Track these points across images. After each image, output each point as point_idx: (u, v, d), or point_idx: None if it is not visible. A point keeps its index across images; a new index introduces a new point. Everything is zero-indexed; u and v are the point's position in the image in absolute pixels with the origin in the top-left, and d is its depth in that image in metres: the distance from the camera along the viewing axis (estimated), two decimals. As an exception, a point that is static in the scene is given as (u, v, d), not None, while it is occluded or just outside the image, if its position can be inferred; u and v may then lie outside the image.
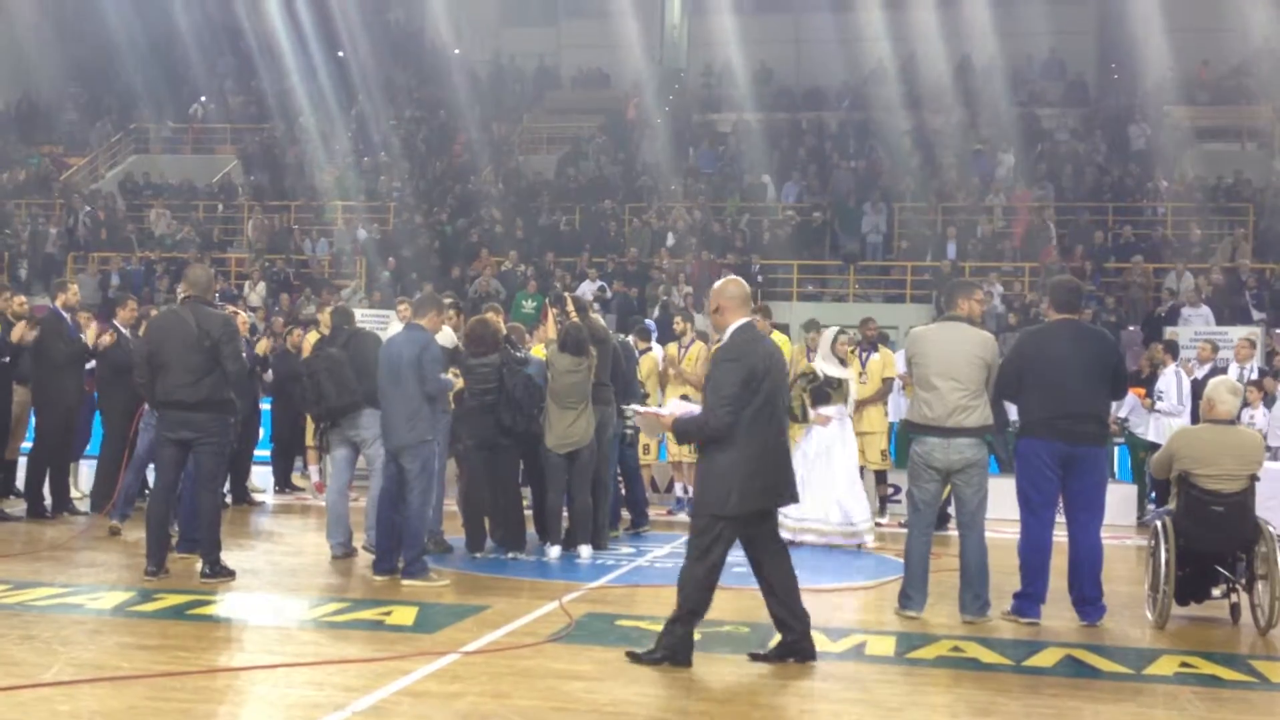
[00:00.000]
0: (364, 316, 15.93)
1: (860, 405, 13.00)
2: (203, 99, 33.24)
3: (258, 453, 13.93)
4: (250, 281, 24.03)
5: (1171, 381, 13.33)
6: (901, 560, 8.40)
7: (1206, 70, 29.33)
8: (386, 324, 14.30)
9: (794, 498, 7.07)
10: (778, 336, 13.28)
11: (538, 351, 11.06)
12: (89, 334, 11.62)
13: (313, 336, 12.76)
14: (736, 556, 10.51)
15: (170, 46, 32.30)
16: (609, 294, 22.04)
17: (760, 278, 22.92)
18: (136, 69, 32.24)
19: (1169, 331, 18.32)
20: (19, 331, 11.05)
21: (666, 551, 10.74)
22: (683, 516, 13.07)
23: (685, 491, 13.69)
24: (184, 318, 8.75)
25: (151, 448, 10.14)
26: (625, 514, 11.78)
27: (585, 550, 10.15)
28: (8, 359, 11.08)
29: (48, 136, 33.19)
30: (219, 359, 8.68)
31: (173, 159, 31.99)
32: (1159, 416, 13.16)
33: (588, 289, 21.64)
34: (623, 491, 11.68)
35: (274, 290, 23.53)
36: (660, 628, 6.87)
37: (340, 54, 31.06)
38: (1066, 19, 30.93)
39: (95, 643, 6.89)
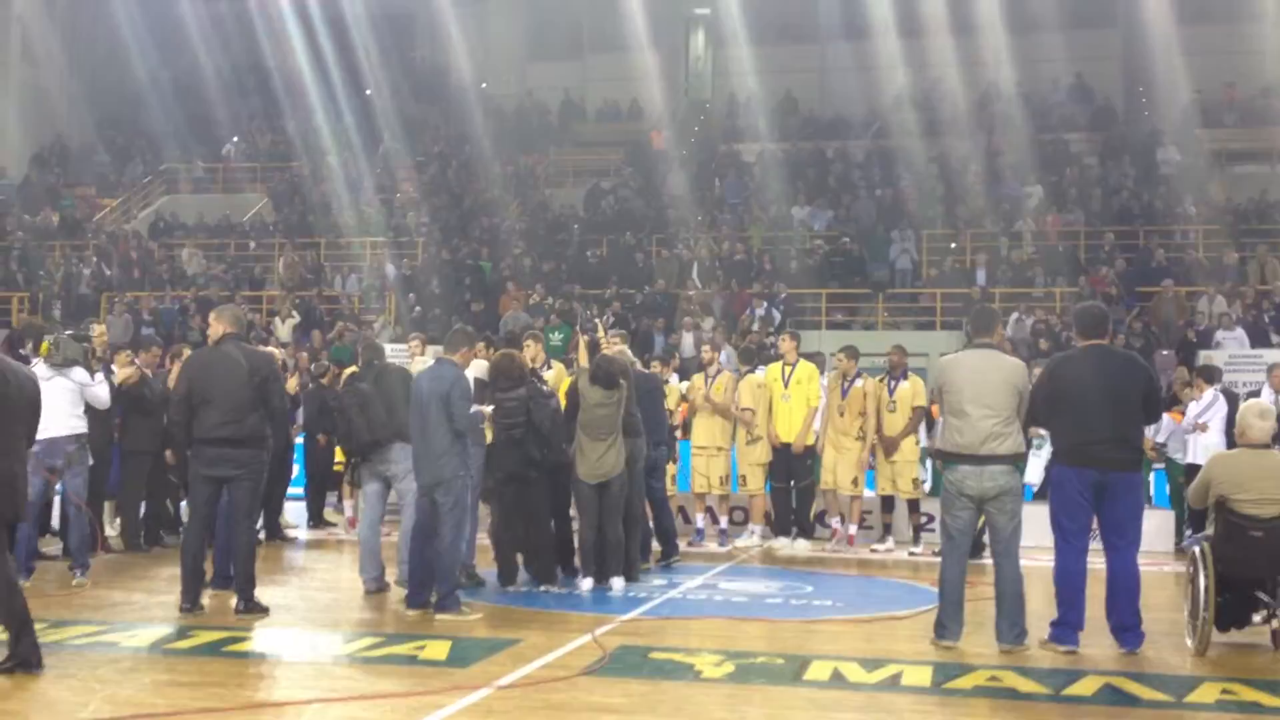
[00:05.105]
0: (394, 351, 16.00)
1: (891, 435, 12.99)
2: (235, 139, 33.62)
3: (290, 489, 13.99)
4: (280, 317, 24.20)
5: (1214, 407, 13.20)
6: (936, 589, 8.34)
7: (1233, 93, 29.23)
8: (410, 359, 14.33)
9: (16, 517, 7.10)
10: (805, 365, 13.26)
11: (564, 382, 11.15)
12: (119, 374, 11.71)
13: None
14: (768, 589, 10.48)
15: (198, 88, 32.68)
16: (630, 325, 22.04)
17: (782, 306, 22.91)
18: (165, 111, 32.64)
19: (1203, 355, 18.18)
20: None
21: (699, 583, 10.71)
22: (712, 547, 13.07)
23: (715, 522, 13.69)
24: (233, 356, 8.81)
25: (41, 494, 10.10)
26: (655, 545, 11.73)
27: (617, 582, 10.12)
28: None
29: (80, 179, 33.60)
30: (265, 395, 8.75)
31: (203, 199, 32.31)
32: (1197, 438, 13.04)
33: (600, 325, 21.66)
34: (650, 523, 11.63)
35: (306, 326, 23.67)
36: (694, 660, 6.85)
37: (367, 92, 31.36)
38: (1092, 44, 30.90)
39: (131, 680, 6.91)
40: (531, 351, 12.23)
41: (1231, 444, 9.76)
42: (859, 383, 13.04)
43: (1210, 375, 13.80)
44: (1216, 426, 12.97)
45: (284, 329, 23.58)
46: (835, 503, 13.32)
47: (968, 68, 28.19)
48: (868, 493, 13.43)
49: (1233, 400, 12.96)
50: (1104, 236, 24.43)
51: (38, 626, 8.12)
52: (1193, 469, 12.28)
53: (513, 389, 9.91)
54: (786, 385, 13.09)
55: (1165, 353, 19.99)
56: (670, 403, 13.07)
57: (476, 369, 10.14)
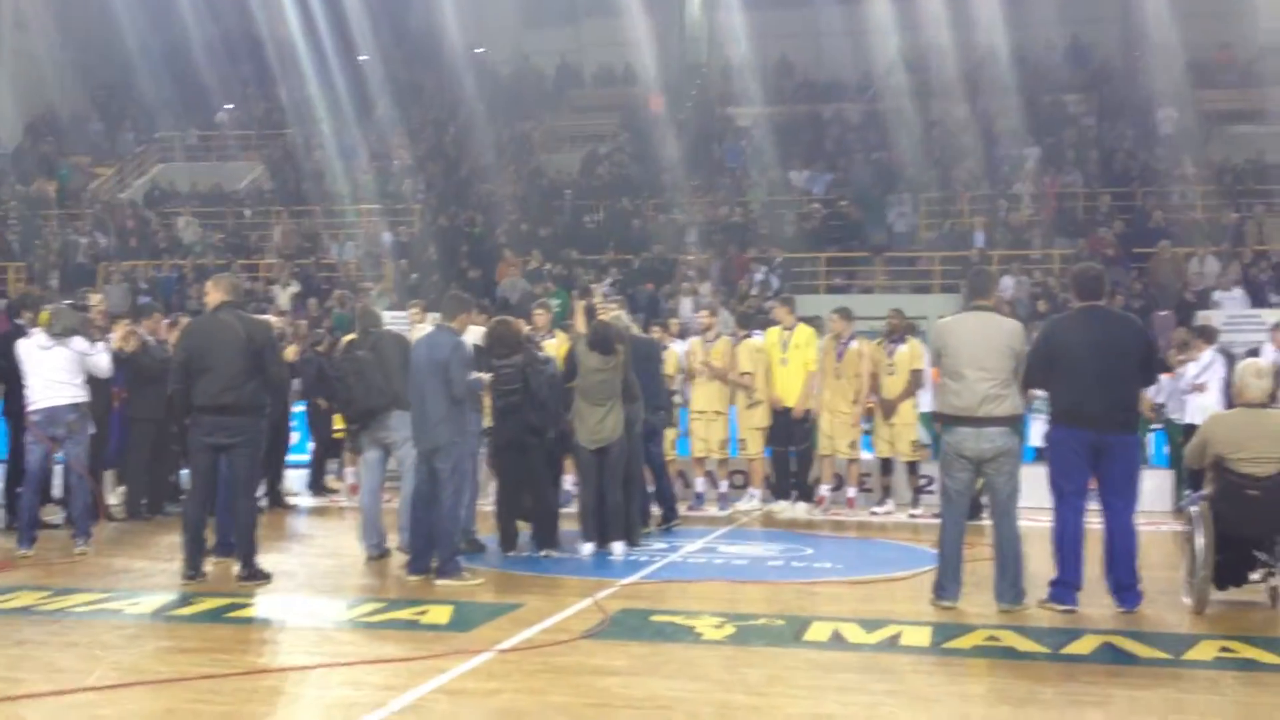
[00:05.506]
0: (392, 319, 15.99)
1: (890, 397, 13.00)
2: (228, 107, 33.46)
3: (291, 456, 14.01)
4: (279, 285, 24.17)
5: (1211, 367, 13.20)
6: (935, 551, 8.38)
7: (1231, 54, 29.10)
8: (410, 326, 14.34)
9: None
10: (803, 329, 13.25)
11: (563, 347, 11.15)
12: (117, 342, 11.69)
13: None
14: (768, 551, 10.52)
15: (190, 56, 32.47)
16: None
17: (780, 271, 22.87)
18: (157, 79, 32.43)
19: (1201, 316, 18.18)
20: None
21: (699, 546, 10.75)
22: (712, 511, 13.11)
23: (715, 486, 13.72)
24: (231, 323, 8.82)
25: (43, 463, 10.14)
26: (655, 510, 11.76)
27: (618, 547, 10.15)
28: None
29: (74, 148, 33.46)
30: (263, 363, 8.77)
31: (198, 167, 32.19)
32: (1195, 398, 13.07)
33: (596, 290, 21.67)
34: (649, 488, 11.66)
35: (305, 294, 23.65)
36: (695, 622, 6.88)
37: (361, 58, 31.17)
38: (1089, 5, 30.72)
39: (134, 647, 6.95)
40: (542, 321, 12.27)
41: (1229, 404, 9.78)
42: (854, 344, 13.03)
43: (1208, 335, 13.81)
44: (1215, 386, 13.00)
45: (284, 297, 23.56)
46: (829, 468, 13.33)
47: (963, 30, 28.02)
48: (866, 455, 13.45)
49: (1230, 360, 12.98)
50: (1101, 198, 24.39)
51: (41, 595, 8.20)
52: (1191, 429, 12.30)
53: (509, 356, 9.92)
54: (785, 349, 13.08)
55: (1163, 313, 19.99)
56: (669, 368, 13.07)
57: (473, 335, 10.14)
